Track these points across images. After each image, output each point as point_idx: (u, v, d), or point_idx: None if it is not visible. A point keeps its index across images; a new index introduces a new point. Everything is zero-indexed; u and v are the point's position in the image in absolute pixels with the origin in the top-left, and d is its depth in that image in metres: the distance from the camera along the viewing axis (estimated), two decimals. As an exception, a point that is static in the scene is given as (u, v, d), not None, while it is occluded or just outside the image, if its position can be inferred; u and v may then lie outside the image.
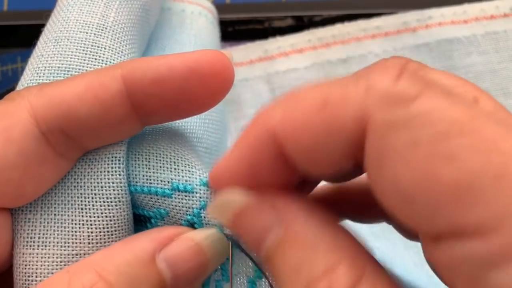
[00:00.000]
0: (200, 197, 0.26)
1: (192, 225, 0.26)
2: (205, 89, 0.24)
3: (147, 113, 0.25)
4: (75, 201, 0.26)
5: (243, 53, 0.43)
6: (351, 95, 0.18)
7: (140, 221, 0.27)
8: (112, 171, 0.26)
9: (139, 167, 0.27)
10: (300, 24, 0.49)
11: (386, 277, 0.20)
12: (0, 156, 0.22)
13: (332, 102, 0.19)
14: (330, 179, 0.25)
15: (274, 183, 0.22)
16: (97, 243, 0.26)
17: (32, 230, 0.25)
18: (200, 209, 0.26)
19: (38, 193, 0.25)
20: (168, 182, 0.26)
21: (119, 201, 0.26)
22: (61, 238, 0.25)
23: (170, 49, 0.34)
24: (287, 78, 0.43)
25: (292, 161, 0.21)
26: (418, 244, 0.38)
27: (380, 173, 0.18)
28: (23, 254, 0.25)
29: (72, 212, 0.26)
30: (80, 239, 0.25)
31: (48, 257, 0.25)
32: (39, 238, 0.25)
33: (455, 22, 0.43)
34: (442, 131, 0.17)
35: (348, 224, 0.38)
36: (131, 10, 0.30)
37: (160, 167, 0.27)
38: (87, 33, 0.28)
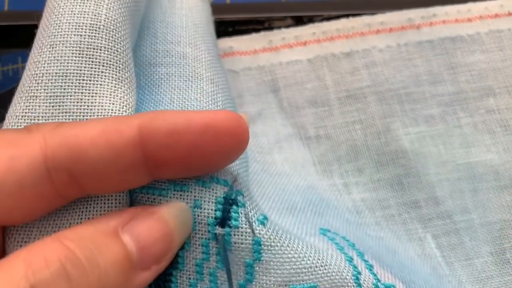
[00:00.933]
0: (195, 196, 0.26)
1: None
2: (219, 147, 0.25)
3: (157, 165, 0.25)
4: (77, 206, 0.26)
5: (247, 42, 0.43)
6: None
7: None
8: None
9: None
10: (300, 25, 0.49)
11: None
12: None
13: None
14: None
15: None
16: None
17: (27, 235, 0.25)
18: (194, 208, 0.26)
19: (24, 222, 0.25)
20: (165, 182, 0.27)
21: (119, 203, 0.26)
22: None
23: (162, 34, 0.34)
24: (290, 69, 0.43)
25: None
26: (422, 237, 0.38)
27: None
28: None
29: (72, 216, 0.26)
30: None
31: None
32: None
33: (459, 20, 0.43)
34: None
35: (354, 215, 0.38)
36: (122, 3, 0.30)
37: None
38: (81, 35, 0.28)
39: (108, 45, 0.29)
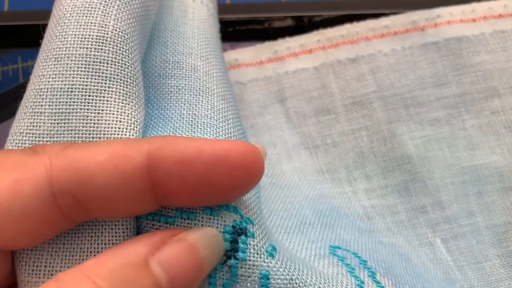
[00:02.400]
0: (202, 225, 0.26)
1: None
2: (230, 181, 0.24)
3: (165, 194, 0.24)
4: (85, 229, 0.26)
5: (252, 54, 0.43)
6: None
7: None
8: None
9: None
10: (300, 25, 0.49)
11: None
12: (3, 207, 0.22)
13: None
14: None
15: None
16: None
17: (38, 258, 0.25)
18: None
19: (30, 246, 0.25)
20: (172, 209, 0.26)
21: (126, 228, 0.26)
22: (68, 267, 0.25)
23: (172, 44, 0.33)
24: (296, 78, 0.43)
25: None
26: (432, 242, 0.39)
27: None
28: (28, 282, 0.25)
29: (81, 241, 0.25)
30: None
31: None
32: (45, 267, 0.25)
33: (463, 21, 0.43)
34: None
35: (365, 222, 0.39)
36: (130, 12, 0.29)
37: None
38: (87, 48, 0.27)
39: (115, 58, 0.27)
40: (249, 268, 0.26)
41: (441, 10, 0.44)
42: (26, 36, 0.50)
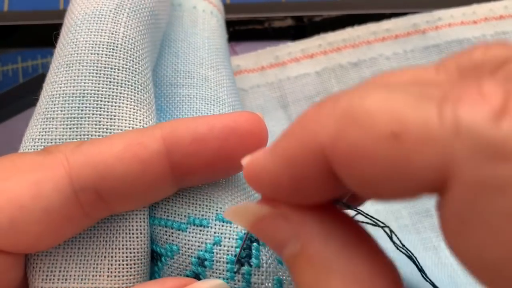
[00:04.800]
0: (215, 232, 0.26)
1: (202, 262, 0.26)
2: (242, 148, 0.24)
3: (184, 174, 0.24)
4: (100, 233, 0.26)
5: (254, 59, 0.43)
6: (434, 133, 0.14)
7: (153, 257, 0.27)
8: None
9: (160, 200, 0.27)
10: (300, 24, 0.49)
11: None
12: (26, 209, 0.22)
13: (408, 135, 0.15)
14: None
15: (314, 195, 0.19)
16: (116, 276, 0.25)
17: (53, 263, 0.25)
18: (214, 245, 0.26)
19: (53, 245, 0.25)
20: (185, 216, 0.26)
21: (140, 233, 0.26)
22: (82, 272, 0.25)
23: (183, 53, 0.33)
24: (298, 83, 0.43)
25: (343, 182, 0.17)
26: (437, 246, 0.39)
27: (463, 239, 0.15)
28: None
29: (96, 245, 0.26)
30: (100, 272, 0.25)
31: None
32: (59, 272, 0.25)
33: (464, 23, 0.43)
34: None
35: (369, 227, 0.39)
36: (140, 20, 0.29)
37: (179, 200, 0.27)
38: (98, 54, 0.27)
39: (126, 65, 0.28)
40: (262, 275, 0.25)
41: (442, 13, 0.43)
42: (26, 36, 0.50)
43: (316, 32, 0.47)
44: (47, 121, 0.27)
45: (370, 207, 0.40)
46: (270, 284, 0.26)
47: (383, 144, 0.15)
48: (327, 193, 0.19)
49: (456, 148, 0.14)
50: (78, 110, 0.27)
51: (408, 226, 0.40)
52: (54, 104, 0.27)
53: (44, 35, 0.50)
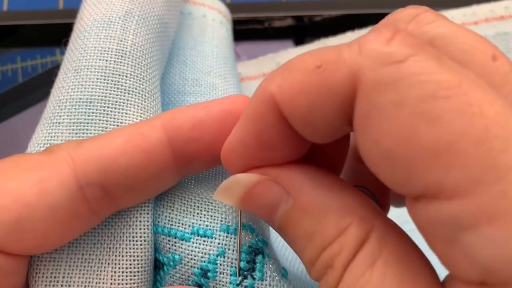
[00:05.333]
0: (219, 243, 0.26)
1: (205, 273, 0.26)
2: None
3: (187, 160, 0.25)
4: (104, 240, 0.26)
5: (255, 67, 0.43)
6: (344, 57, 0.19)
7: (155, 266, 0.27)
8: (141, 210, 0.26)
9: (163, 208, 0.27)
10: (300, 24, 0.49)
11: (396, 231, 0.21)
12: (32, 207, 0.22)
13: (326, 64, 0.19)
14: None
15: (284, 153, 0.23)
16: (119, 283, 0.25)
17: (56, 269, 0.25)
18: (217, 256, 0.26)
19: (60, 244, 0.25)
20: (189, 225, 0.26)
21: (144, 241, 0.26)
22: (86, 278, 0.25)
23: (192, 61, 0.33)
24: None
25: (294, 127, 0.21)
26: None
27: (365, 132, 0.19)
28: None
29: (100, 251, 0.26)
30: (104, 279, 0.25)
31: None
32: (63, 277, 0.25)
33: (465, 24, 0.43)
34: (427, 93, 0.17)
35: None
36: (149, 28, 0.29)
37: (183, 210, 0.27)
38: (106, 60, 0.28)
39: (134, 72, 0.28)
40: None
41: (443, 14, 0.43)
42: (26, 36, 0.50)
43: (316, 32, 0.47)
44: (53, 126, 0.27)
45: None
46: None
47: (310, 76, 0.19)
48: (292, 146, 0.22)
49: (359, 62, 0.18)
50: (85, 116, 0.27)
51: (414, 230, 0.40)
52: (61, 109, 0.27)
53: (43, 34, 0.49)
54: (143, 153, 0.24)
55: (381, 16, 0.45)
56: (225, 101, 0.25)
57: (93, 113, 0.27)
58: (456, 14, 0.43)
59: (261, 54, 0.45)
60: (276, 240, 0.35)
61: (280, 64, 0.43)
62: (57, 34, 0.49)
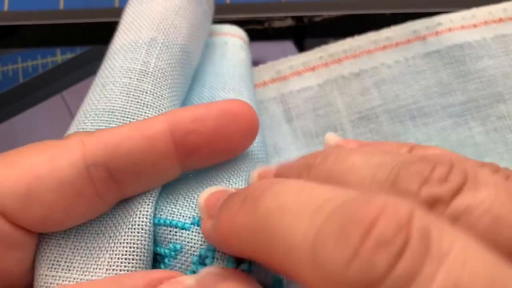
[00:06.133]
0: None
1: (203, 260, 0.27)
2: (237, 127, 0.28)
3: (187, 153, 0.27)
4: (106, 230, 0.28)
5: (256, 75, 0.43)
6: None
7: (155, 260, 0.28)
8: (142, 202, 0.28)
9: (166, 203, 0.29)
10: (300, 25, 0.49)
11: None
12: (42, 179, 0.25)
13: None
14: None
15: None
16: (113, 269, 0.27)
17: (60, 254, 0.27)
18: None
19: (64, 224, 0.27)
20: (189, 217, 0.28)
21: (142, 229, 0.27)
22: (85, 264, 0.27)
23: (209, 82, 0.36)
24: (301, 97, 0.43)
25: None
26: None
27: None
28: (45, 276, 0.27)
29: (101, 240, 0.28)
30: (101, 266, 0.27)
31: (69, 281, 0.27)
32: (65, 262, 0.27)
33: (464, 27, 0.43)
34: None
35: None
36: (171, 54, 0.32)
37: (186, 205, 0.29)
38: (130, 78, 0.31)
39: (154, 90, 0.31)
40: (261, 272, 0.27)
41: (442, 18, 0.43)
42: (26, 36, 0.50)
43: (316, 32, 0.47)
44: (77, 131, 0.29)
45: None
46: (269, 282, 0.27)
47: None
48: None
49: None
50: (106, 123, 0.29)
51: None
52: (86, 117, 0.30)
53: (44, 35, 0.49)
54: (146, 139, 0.26)
55: (381, 16, 0.46)
56: (224, 102, 0.28)
57: (113, 121, 0.29)
58: (455, 18, 0.43)
59: (261, 55, 0.45)
60: None
61: (280, 72, 0.44)
62: (57, 35, 0.49)
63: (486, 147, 0.42)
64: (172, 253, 0.27)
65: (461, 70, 0.43)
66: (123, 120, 0.29)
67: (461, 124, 0.42)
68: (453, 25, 0.43)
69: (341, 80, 0.43)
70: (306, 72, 0.43)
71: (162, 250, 0.28)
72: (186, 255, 0.27)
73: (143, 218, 0.27)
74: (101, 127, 0.29)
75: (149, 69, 0.31)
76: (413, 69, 0.43)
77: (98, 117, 0.29)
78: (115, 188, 0.27)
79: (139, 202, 0.28)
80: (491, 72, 0.42)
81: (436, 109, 0.42)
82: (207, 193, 0.27)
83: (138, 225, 0.27)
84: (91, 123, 0.29)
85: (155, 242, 0.28)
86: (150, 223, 0.27)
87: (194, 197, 0.29)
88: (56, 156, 0.25)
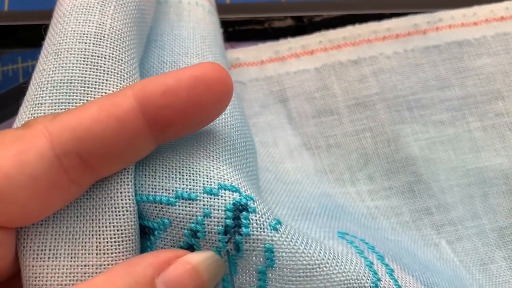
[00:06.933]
0: (204, 205, 0.26)
1: (195, 233, 0.26)
2: (211, 95, 0.26)
3: (161, 128, 0.25)
4: (86, 212, 0.26)
5: (254, 53, 0.43)
6: None
7: (144, 233, 0.27)
8: (121, 182, 0.27)
9: (145, 177, 0.27)
10: (300, 25, 0.49)
11: None
12: (11, 178, 0.23)
13: None
14: None
15: None
16: (104, 253, 0.26)
17: (42, 242, 0.26)
18: (204, 217, 0.26)
19: (43, 215, 0.25)
20: (173, 190, 0.27)
21: (127, 211, 0.26)
22: (71, 250, 0.26)
23: (169, 46, 0.34)
24: (298, 79, 0.43)
25: None
26: (437, 243, 0.38)
27: None
28: (32, 266, 0.25)
29: (83, 223, 0.26)
30: (89, 250, 0.26)
31: (58, 269, 0.25)
32: (49, 250, 0.26)
33: (465, 25, 0.43)
34: None
35: (370, 220, 0.38)
36: (127, 13, 0.30)
37: (166, 176, 0.27)
38: (85, 43, 0.28)
39: (113, 54, 0.29)
40: (253, 243, 0.26)
41: (443, 14, 0.44)
42: (26, 36, 0.50)
43: (315, 32, 0.47)
44: (35, 107, 0.27)
45: (370, 202, 0.40)
46: (261, 251, 0.26)
47: None
48: None
49: None
50: (66, 96, 0.27)
51: (408, 222, 0.39)
52: (43, 91, 0.27)
53: (44, 35, 0.50)
54: (116, 120, 0.24)
55: (381, 17, 0.46)
56: (194, 67, 0.26)
57: (73, 93, 0.27)
58: (456, 15, 0.44)
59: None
60: (271, 192, 0.36)
61: (279, 53, 0.44)
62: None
63: (483, 142, 0.41)
64: (161, 226, 0.27)
65: (460, 67, 0.43)
66: (83, 90, 0.27)
67: (458, 118, 0.42)
68: (453, 22, 0.43)
69: (338, 66, 0.43)
70: (305, 55, 0.43)
71: (150, 223, 0.27)
72: (176, 229, 0.26)
73: (125, 199, 0.26)
74: (60, 100, 0.27)
75: (105, 31, 0.29)
76: (412, 62, 0.43)
77: (56, 89, 0.27)
78: (89, 172, 0.25)
79: (117, 182, 0.27)
80: (489, 70, 0.42)
81: (433, 102, 0.42)
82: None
83: (122, 207, 0.26)
84: (49, 96, 0.27)
85: (142, 216, 0.27)
86: (133, 203, 0.27)
87: (172, 166, 0.28)
88: (22, 150, 0.23)
